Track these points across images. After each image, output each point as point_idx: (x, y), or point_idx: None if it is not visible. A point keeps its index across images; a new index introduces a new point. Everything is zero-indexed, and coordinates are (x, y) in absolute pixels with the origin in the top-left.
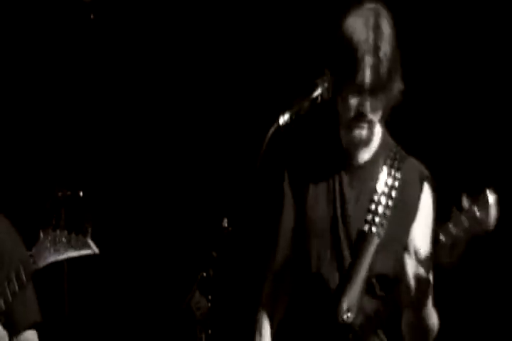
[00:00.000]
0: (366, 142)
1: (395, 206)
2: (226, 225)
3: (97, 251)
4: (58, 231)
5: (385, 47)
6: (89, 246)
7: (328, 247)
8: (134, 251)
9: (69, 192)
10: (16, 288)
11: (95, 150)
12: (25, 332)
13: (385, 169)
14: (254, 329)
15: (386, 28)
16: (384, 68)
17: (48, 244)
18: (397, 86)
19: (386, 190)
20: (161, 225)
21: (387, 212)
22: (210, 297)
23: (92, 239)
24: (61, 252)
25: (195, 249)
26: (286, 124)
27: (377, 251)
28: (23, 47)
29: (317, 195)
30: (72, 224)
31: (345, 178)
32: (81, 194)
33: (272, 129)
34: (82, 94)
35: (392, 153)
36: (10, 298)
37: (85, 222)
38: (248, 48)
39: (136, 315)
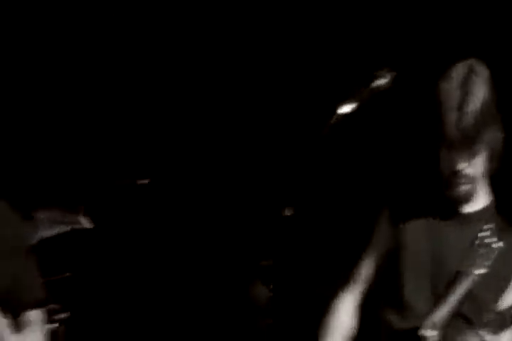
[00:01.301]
0: (467, 198)
1: (493, 266)
2: (288, 214)
3: (88, 226)
4: (52, 209)
5: (473, 103)
6: (80, 223)
7: (425, 280)
8: (196, 240)
9: (129, 181)
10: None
11: (155, 140)
12: (28, 312)
13: (487, 229)
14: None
15: (476, 83)
16: (469, 123)
17: (43, 221)
18: (490, 137)
19: (487, 247)
20: (223, 213)
21: (486, 265)
22: (271, 286)
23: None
24: (54, 228)
25: (257, 237)
26: (346, 114)
27: (470, 292)
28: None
29: (417, 229)
30: (66, 202)
31: (448, 220)
32: (142, 182)
33: (332, 119)
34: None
35: (495, 223)
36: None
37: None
38: (309, 37)
39: (199, 304)
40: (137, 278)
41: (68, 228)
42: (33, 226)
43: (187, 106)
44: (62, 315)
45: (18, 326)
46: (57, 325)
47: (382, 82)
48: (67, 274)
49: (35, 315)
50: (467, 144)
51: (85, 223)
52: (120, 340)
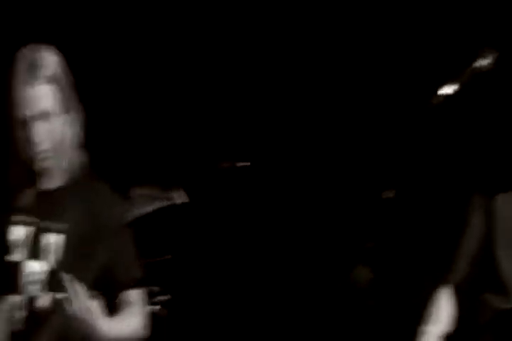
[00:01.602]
0: None
1: None
2: (390, 196)
3: (181, 201)
4: (147, 187)
5: None
6: (175, 198)
7: None
8: (298, 223)
9: (229, 164)
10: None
11: (256, 123)
12: (127, 291)
13: None
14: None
15: None
16: None
17: (138, 199)
18: None
19: None
20: (324, 196)
21: None
22: (372, 268)
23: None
24: (150, 204)
25: (359, 220)
26: (448, 95)
27: None
28: None
29: (505, 207)
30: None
31: None
32: (243, 165)
33: (434, 100)
34: None
35: None
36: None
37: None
38: (416, 17)
39: (301, 286)
40: (238, 261)
41: (164, 204)
42: (129, 204)
43: (285, 91)
44: (163, 298)
45: (115, 307)
46: (157, 307)
47: (484, 62)
48: (168, 256)
49: (134, 296)
50: None
51: (180, 198)
52: (223, 323)
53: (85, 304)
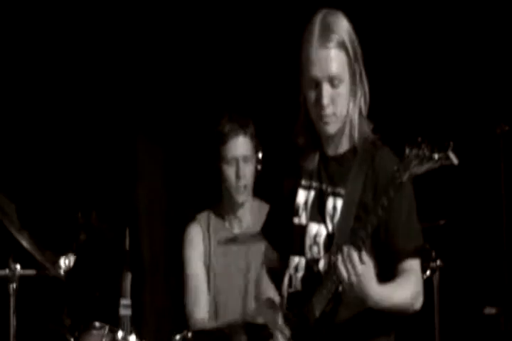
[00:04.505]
0: None
1: None
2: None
3: (456, 162)
4: (422, 146)
5: None
6: (449, 159)
7: None
8: None
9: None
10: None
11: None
12: (407, 261)
13: None
14: None
15: None
16: None
17: (412, 159)
18: None
19: None
20: None
21: None
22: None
23: None
24: (423, 165)
25: None
26: None
27: None
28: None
29: None
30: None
31: None
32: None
33: None
34: None
35: None
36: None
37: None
38: None
39: None
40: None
41: (437, 165)
42: (405, 164)
43: None
44: (437, 263)
45: (388, 274)
46: (430, 273)
47: None
48: (442, 222)
49: (411, 265)
50: None
51: (453, 159)
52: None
53: (358, 268)
